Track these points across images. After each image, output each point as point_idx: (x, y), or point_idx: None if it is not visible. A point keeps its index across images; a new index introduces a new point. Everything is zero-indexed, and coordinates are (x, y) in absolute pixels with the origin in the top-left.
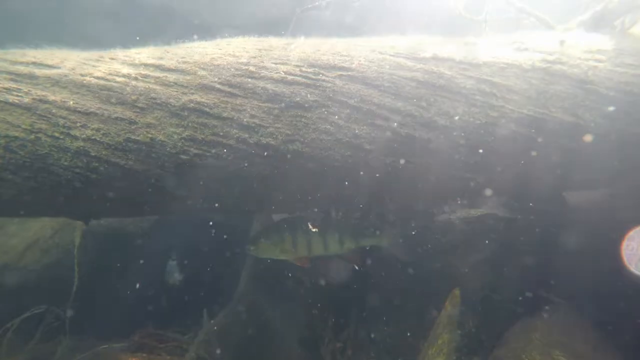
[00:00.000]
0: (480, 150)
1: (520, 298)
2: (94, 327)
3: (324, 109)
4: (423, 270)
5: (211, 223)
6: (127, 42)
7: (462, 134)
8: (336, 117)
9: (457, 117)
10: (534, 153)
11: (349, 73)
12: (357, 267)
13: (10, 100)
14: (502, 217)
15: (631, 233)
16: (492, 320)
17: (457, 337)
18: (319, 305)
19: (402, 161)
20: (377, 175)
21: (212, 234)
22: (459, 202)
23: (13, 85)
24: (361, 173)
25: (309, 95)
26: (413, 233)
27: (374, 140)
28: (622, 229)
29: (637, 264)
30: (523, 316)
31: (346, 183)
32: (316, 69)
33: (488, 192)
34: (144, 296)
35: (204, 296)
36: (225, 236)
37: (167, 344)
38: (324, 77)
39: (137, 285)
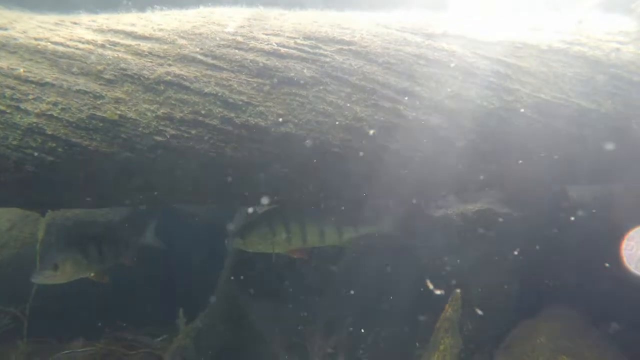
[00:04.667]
0: (493, 138)
1: (521, 299)
2: (55, 329)
3: (321, 87)
4: (419, 268)
5: (187, 215)
6: (95, 8)
7: (475, 120)
8: (335, 96)
9: (469, 101)
10: (550, 142)
11: (351, 47)
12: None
13: None
14: (500, 213)
15: (631, 233)
16: (491, 322)
17: (459, 342)
18: (307, 306)
19: (407, 148)
20: (380, 163)
21: (189, 228)
22: (456, 196)
23: None
24: (362, 160)
25: (304, 71)
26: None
27: (377, 124)
28: (627, 227)
29: (637, 264)
30: (524, 318)
31: (345, 171)
32: (313, 42)
33: (493, 184)
34: (112, 295)
35: (178, 295)
36: (203, 230)
37: (138, 351)
38: (322, 51)
39: (105, 284)
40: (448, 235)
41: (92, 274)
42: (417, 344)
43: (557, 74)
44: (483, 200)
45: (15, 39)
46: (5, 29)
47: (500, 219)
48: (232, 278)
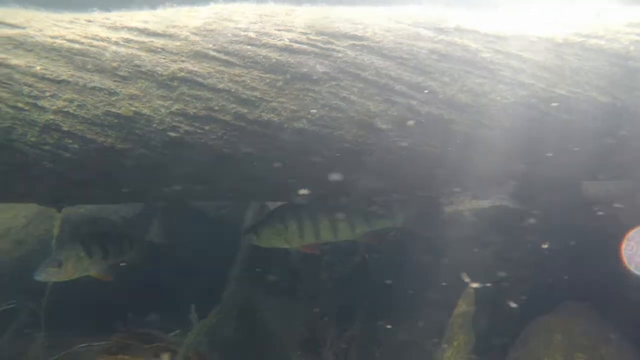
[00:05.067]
0: (507, 133)
1: (536, 294)
2: (72, 323)
3: (334, 82)
4: (431, 264)
5: (199, 212)
6: (108, 5)
7: (488, 114)
8: (348, 91)
9: (482, 95)
10: (563, 137)
11: (363, 42)
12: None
13: None
14: (513, 209)
15: (631, 233)
16: (505, 319)
17: (473, 338)
18: (320, 302)
19: (421, 144)
20: (392, 158)
21: (201, 224)
22: (468, 192)
23: None
24: (374, 156)
25: (317, 66)
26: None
27: (390, 119)
28: None
29: (637, 264)
30: (539, 315)
31: (357, 166)
32: (326, 37)
33: (506, 180)
34: (126, 290)
35: (191, 291)
36: (214, 226)
37: (153, 345)
38: (334, 47)
39: (120, 279)
40: (461, 231)
41: (94, 272)
42: (431, 340)
43: (573, 68)
44: (495, 196)
45: (32, 37)
46: (23, 28)
47: (514, 215)
48: (244, 274)
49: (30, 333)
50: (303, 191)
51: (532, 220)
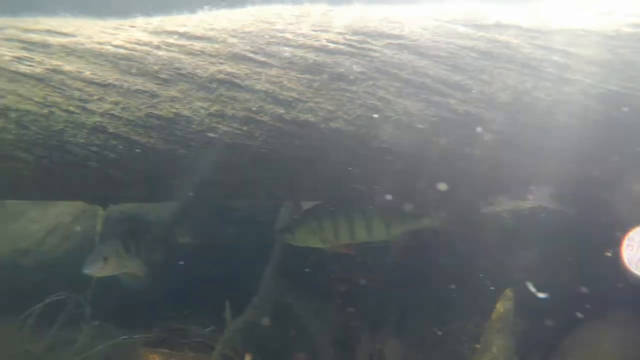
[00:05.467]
0: (551, 133)
1: (580, 300)
2: (113, 315)
3: (371, 82)
4: (468, 267)
5: (235, 210)
6: (149, 11)
7: (530, 113)
8: (385, 91)
9: (524, 93)
10: (614, 136)
11: (400, 41)
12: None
13: (22, 71)
14: (554, 211)
15: (631, 233)
16: (545, 325)
17: (512, 344)
18: (354, 302)
19: (458, 144)
20: (429, 158)
21: (236, 222)
22: (507, 192)
23: (25, 54)
24: (411, 156)
25: (354, 66)
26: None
27: (427, 119)
28: None
29: (637, 264)
30: (582, 322)
31: (394, 166)
32: (362, 37)
33: (549, 181)
34: (163, 286)
35: (225, 288)
36: (249, 225)
37: (190, 340)
38: (371, 46)
39: (157, 275)
40: (500, 233)
41: (131, 269)
42: (466, 344)
43: (626, 62)
44: (535, 197)
45: (82, 44)
46: (74, 36)
47: (555, 217)
48: (278, 272)
49: (78, 323)
50: (339, 191)
51: (574, 223)
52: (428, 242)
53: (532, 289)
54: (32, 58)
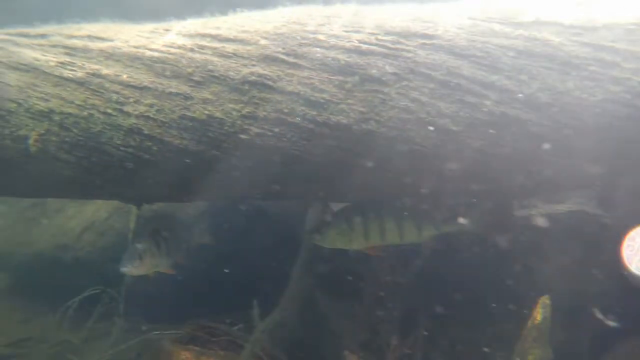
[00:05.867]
0: (593, 134)
1: (617, 312)
2: (144, 310)
3: (404, 83)
4: (500, 271)
5: (262, 210)
6: (182, 14)
7: (572, 114)
8: (418, 92)
9: (565, 93)
10: None
11: (434, 41)
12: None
13: (65, 75)
14: (594, 215)
15: (631, 233)
16: (584, 336)
17: (550, 354)
18: (383, 304)
19: (494, 145)
20: (463, 160)
21: (263, 222)
22: (543, 195)
23: (68, 59)
24: (445, 158)
25: (387, 67)
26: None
27: (462, 120)
28: None
29: (637, 264)
30: (625, 334)
31: (427, 168)
32: (395, 37)
33: (589, 185)
34: (192, 283)
35: (253, 287)
36: (276, 224)
37: (220, 338)
38: (404, 47)
39: (186, 272)
40: (533, 237)
41: (161, 268)
42: (499, 352)
43: None
44: (573, 200)
45: (119, 48)
46: (112, 40)
47: (595, 222)
48: (306, 273)
49: (111, 316)
50: (370, 193)
51: (614, 228)
52: (459, 246)
53: (600, 316)
54: (74, 63)
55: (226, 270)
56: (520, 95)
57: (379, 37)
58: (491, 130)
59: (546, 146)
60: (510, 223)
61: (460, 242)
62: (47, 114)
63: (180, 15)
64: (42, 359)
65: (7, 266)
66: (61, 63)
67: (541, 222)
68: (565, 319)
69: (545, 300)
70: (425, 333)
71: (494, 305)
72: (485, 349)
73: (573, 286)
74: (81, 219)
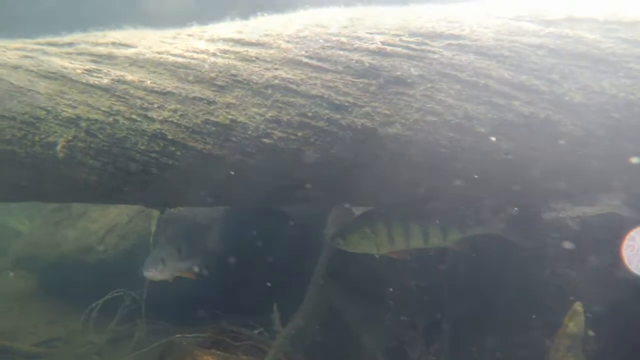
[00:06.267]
0: (630, 134)
1: None
2: (165, 313)
3: (429, 85)
4: (528, 277)
5: (283, 214)
6: (204, 19)
7: (606, 114)
8: (444, 94)
9: (600, 92)
10: None
11: (460, 42)
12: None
13: (91, 82)
14: (626, 218)
15: (632, 233)
16: (619, 345)
17: None
18: (407, 310)
19: (523, 147)
20: (491, 163)
21: (284, 225)
22: (573, 198)
23: (94, 66)
24: (472, 160)
25: (412, 69)
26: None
27: (490, 122)
28: None
29: (637, 265)
30: None
31: (453, 171)
32: (419, 38)
33: (625, 187)
34: (211, 286)
35: (272, 291)
36: (297, 229)
37: (242, 342)
38: (429, 47)
39: (206, 276)
40: (562, 241)
41: (183, 273)
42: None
43: None
44: (603, 202)
45: (143, 54)
46: (135, 47)
47: (628, 225)
48: (327, 277)
49: (133, 318)
50: (395, 197)
51: None
52: (485, 250)
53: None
54: (99, 70)
55: (245, 274)
56: (551, 95)
57: (403, 38)
58: (520, 132)
59: (578, 148)
60: (537, 227)
61: (486, 246)
62: (74, 121)
63: (202, 21)
64: (68, 359)
65: (35, 268)
66: (87, 70)
67: (571, 225)
68: (598, 328)
69: (577, 307)
70: (451, 340)
71: (521, 311)
72: (515, 358)
73: (605, 292)
74: (104, 222)
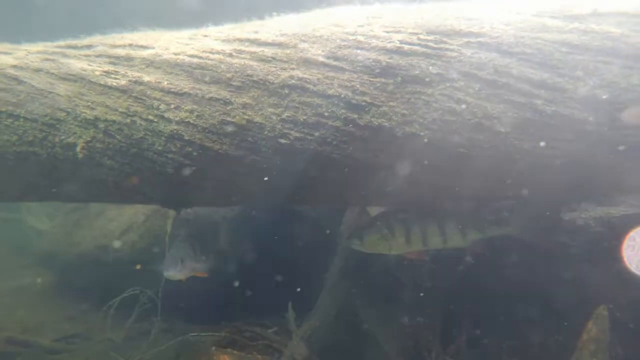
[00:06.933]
0: None
1: None
2: (180, 311)
3: (448, 84)
4: (547, 278)
5: (298, 213)
6: (220, 19)
7: (634, 111)
8: (463, 93)
9: (628, 89)
10: None
11: (479, 39)
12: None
13: (109, 84)
14: None
15: (632, 233)
16: None
17: None
18: (423, 311)
19: (545, 147)
20: (512, 163)
21: (298, 226)
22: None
23: (112, 68)
24: (492, 160)
25: (430, 68)
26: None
27: (510, 121)
28: None
29: (637, 265)
30: None
31: (473, 172)
32: (438, 37)
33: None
34: (226, 286)
35: (287, 291)
36: (312, 228)
37: (258, 342)
38: (447, 46)
39: (221, 275)
40: (584, 242)
41: (198, 272)
42: None
43: None
44: (628, 203)
45: (159, 55)
46: (153, 48)
47: None
48: (343, 278)
49: (149, 316)
50: (412, 196)
51: None
52: (504, 251)
53: None
54: (117, 71)
55: (260, 274)
56: (574, 93)
57: (421, 36)
58: (542, 131)
59: (603, 147)
60: (558, 228)
61: (506, 247)
62: (93, 122)
63: (217, 21)
64: (87, 355)
65: (54, 266)
66: (106, 72)
67: (593, 226)
68: (622, 332)
69: (601, 310)
70: (467, 341)
71: (541, 313)
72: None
73: (629, 295)
74: (120, 221)
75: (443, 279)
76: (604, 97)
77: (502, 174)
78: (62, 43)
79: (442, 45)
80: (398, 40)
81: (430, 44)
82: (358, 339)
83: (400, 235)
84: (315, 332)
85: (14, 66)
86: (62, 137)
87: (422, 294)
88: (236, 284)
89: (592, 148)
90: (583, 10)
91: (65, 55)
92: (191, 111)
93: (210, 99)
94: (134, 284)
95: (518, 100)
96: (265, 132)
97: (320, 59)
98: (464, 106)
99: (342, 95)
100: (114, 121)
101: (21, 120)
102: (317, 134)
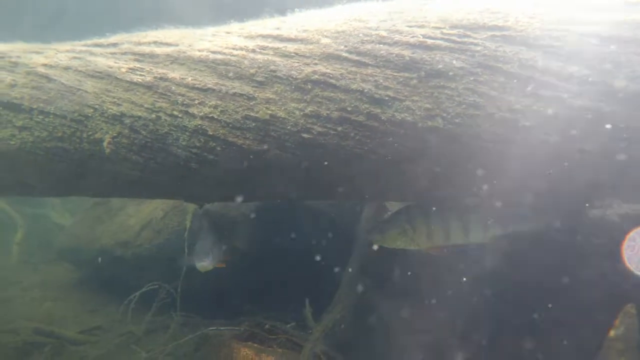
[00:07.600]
0: None
1: None
2: (199, 306)
3: (472, 78)
4: (571, 276)
5: (316, 209)
6: (242, 17)
7: None
8: (487, 87)
9: None
10: None
11: (504, 33)
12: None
13: (135, 80)
14: None
15: (632, 233)
16: None
17: None
18: (444, 307)
19: (572, 141)
20: (537, 157)
21: (316, 221)
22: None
23: (137, 65)
24: (516, 155)
25: (453, 62)
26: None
27: (535, 115)
28: None
29: (637, 265)
30: None
31: (497, 166)
32: (461, 30)
33: None
34: (244, 281)
35: (304, 286)
36: (329, 224)
37: (278, 336)
38: (471, 40)
39: (238, 270)
40: (610, 239)
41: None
42: None
43: None
44: None
45: (184, 52)
46: (176, 45)
47: None
48: (361, 273)
49: (168, 310)
50: (435, 191)
51: None
52: (527, 248)
53: None
54: (142, 68)
55: (278, 269)
56: (603, 85)
57: (445, 31)
58: (568, 126)
59: (632, 142)
60: (583, 224)
61: (529, 243)
62: (119, 118)
63: (240, 18)
64: (109, 347)
65: (77, 260)
66: (131, 69)
67: (619, 223)
68: None
69: (629, 309)
70: (489, 340)
71: (565, 312)
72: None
73: None
74: (139, 217)
75: (464, 276)
76: (634, 89)
77: (526, 169)
78: (88, 42)
79: (465, 39)
80: (421, 35)
81: (454, 38)
82: (376, 335)
83: (421, 230)
84: (334, 327)
85: (45, 65)
86: (90, 133)
87: (442, 290)
88: (254, 279)
89: (619, 143)
90: (612, 1)
91: (92, 54)
92: (215, 106)
93: (234, 94)
94: (153, 279)
95: (543, 94)
96: (289, 127)
97: (343, 54)
98: (488, 100)
99: (365, 90)
100: (139, 117)
101: (51, 116)
102: (340, 128)
